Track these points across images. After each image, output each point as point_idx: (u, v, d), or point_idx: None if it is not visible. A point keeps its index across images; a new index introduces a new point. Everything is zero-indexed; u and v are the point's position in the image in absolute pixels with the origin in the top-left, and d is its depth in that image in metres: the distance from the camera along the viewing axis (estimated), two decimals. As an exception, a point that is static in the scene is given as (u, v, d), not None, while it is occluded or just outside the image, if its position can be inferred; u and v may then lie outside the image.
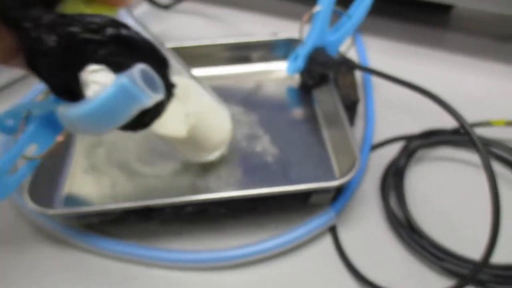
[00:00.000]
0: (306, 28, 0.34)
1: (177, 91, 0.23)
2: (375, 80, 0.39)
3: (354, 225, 0.29)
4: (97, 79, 0.20)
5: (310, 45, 0.34)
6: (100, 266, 0.27)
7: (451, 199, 0.30)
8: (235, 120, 0.31)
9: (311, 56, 0.34)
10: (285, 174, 0.30)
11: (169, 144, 0.29)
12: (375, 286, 0.26)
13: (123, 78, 0.19)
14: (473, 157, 0.33)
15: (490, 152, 0.32)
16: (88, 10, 0.21)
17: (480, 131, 0.34)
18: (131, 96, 0.19)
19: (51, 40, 0.19)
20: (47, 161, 0.29)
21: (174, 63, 0.26)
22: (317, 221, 0.28)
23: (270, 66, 0.40)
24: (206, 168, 0.30)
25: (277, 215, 0.29)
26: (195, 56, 0.39)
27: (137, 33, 0.20)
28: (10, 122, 0.27)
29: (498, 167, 0.32)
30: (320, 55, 0.33)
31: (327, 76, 0.35)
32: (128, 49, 0.20)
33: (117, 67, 0.20)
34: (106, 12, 0.22)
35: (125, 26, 0.20)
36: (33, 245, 0.28)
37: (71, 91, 0.20)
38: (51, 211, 0.26)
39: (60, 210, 0.27)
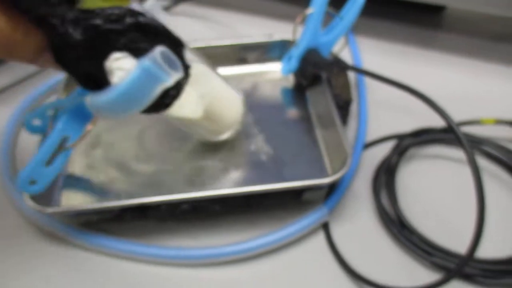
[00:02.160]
0: (300, 30, 0.35)
1: (192, 74, 0.25)
2: (368, 80, 0.40)
3: (346, 222, 0.30)
4: (122, 66, 0.21)
5: (303, 46, 0.35)
6: (98, 263, 0.28)
7: (441, 196, 0.31)
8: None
9: (304, 57, 0.35)
10: (279, 172, 0.30)
11: (186, 126, 0.30)
12: (366, 280, 0.26)
13: (146, 61, 0.20)
14: (462, 154, 0.33)
15: (480, 149, 0.33)
16: (105, 4, 0.22)
17: (470, 129, 0.34)
18: (154, 76, 0.21)
19: (77, 33, 0.20)
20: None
21: (188, 52, 0.27)
22: (310, 218, 0.28)
23: (265, 67, 0.40)
24: (201, 166, 0.31)
25: (271, 212, 0.30)
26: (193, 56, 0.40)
27: (153, 19, 0.22)
28: (37, 122, 0.29)
29: (488, 165, 0.33)
30: (313, 56, 0.34)
31: (320, 77, 0.35)
32: (147, 35, 0.22)
33: (139, 52, 0.21)
34: (120, 3, 0.22)
35: (142, 14, 0.21)
36: (32, 244, 0.29)
37: (97, 80, 0.22)
38: (50, 209, 0.27)
39: (58, 208, 0.28)
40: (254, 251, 0.28)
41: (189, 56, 0.26)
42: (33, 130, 0.30)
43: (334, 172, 0.30)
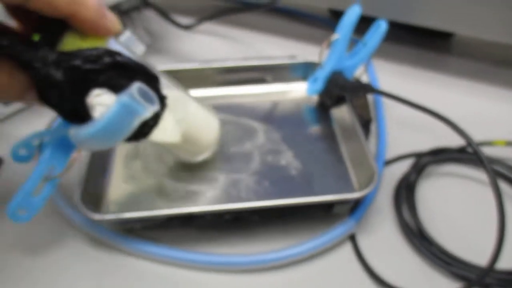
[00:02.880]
0: (325, 53, 0.37)
1: (170, 101, 0.27)
2: (385, 101, 0.42)
3: (371, 233, 0.32)
4: (102, 101, 0.24)
5: (329, 69, 0.38)
6: (142, 269, 0.30)
7: (458, 210, 0.34)
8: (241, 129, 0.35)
9: (330, 79, 0.37)
10: (309, 186, 0.33)
11: (166, 149, 0.33)
12: (389, 285, 0.29)
13: (124, 97, 0.22)
14: (476, 173, 0.36)
15: (494, 169, 0.36)
16: (84, 44, 0.24)
17: (482, 150, 0.37)
18: (132, 110, 0.23)
19: (58, 74, 0.22)
20: (92, 172, 0.32)
21: (163, 79, 0.30)
22: (339, 230, 0.31)
23: (287, 87, 0.43)
24: (236, 179, 0.33)
25: (302, 223, 0.32)
26: (217, 75, 0.42)
27: (129, 58, 0.23)
28: (23, 152, 0.30)
29: (500, 184, 0.35)
30: (338, 79, 0.37)
31: (344, 97, 0.38)
32: (124, 72, 0.23)
33: (118, 88, 0.23)
34: (98, 43, 0.25)
35: (118, 53, 0.23)
36: (77, 250, 0.31)
37: (80, 115, 0.24)
38: (107, 216, 0.29)
39: (110, 215, 0.29)
40: (289, 259, 0.30)
41: (165, 83, 0.29)
42: (19, 159, 0.31)
43: (360, 186, 0.32)
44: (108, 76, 0.23)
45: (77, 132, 0.23)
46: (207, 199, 0.32)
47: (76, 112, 0.24)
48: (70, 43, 0.24)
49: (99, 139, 0.23)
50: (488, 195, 0.34)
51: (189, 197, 0.32)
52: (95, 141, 0.24)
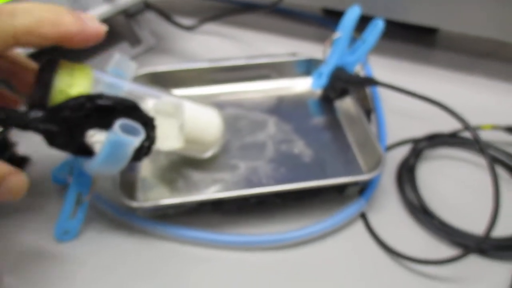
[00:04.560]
0: (327, 49, 0.41)
1: (169, 110, 0.32)
2: (381, 93, 0.46)
3: (379, 211, 0.36)
4: (97, 139, 0.29)
5: (332, 64, 0.41)
6: (175, 250, 0.33)
7: (453, 187, 0.38)
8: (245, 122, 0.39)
9: (333, 74, 0.41)
10: (323, 171, 0.36)
11: (174, 153, 0.37)
12: (402, 255, 0.32)
13: (110, 135, 0.26)
14: (467, 154, 0.40)
15: (486, 150, 0.40)
16: (71, 89, 0.27)
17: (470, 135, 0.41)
18: (120, 144, 0.27)
19: (54, 127, 0.27)
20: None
21: (157, 91, 0.34)
22: (352, 209, 0.34)
23: (292, 82, 0.46)
24: (255, 166, 0.37)
25: (318, 205, 0.36)
26: (225, 73, 0.45)
27: (108, 97, 0.27)
28: (60, 175, 0.36)
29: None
30: (342, 73, 0.40)
31: (346, 90, 0.42)
32: (107, 112, 0.27)
33: (106, 126, 0.27)
34: (81, 74, 0.28)
35: (99, 96, 0.27)
36: (113, 237, 0.34)
37: (85, 151, 0.29)
38: (147, 204, 0.32)
39: (151, 202, 0.32)
40: (310, 236, 0.33)
41: (158, 94, 0.34)
42: (57, 181, 0.36)
43: (368, 169, 0.36)
44: (95, 118, 0.27)
45: (86, 165, 0.29)
46: (232, 186, 0.35)
47: (81, 150, 0.29)
48: (59, 94, 0.27)
49: (103, 168, 0.28)
50: (479, 172, 0.39)
51: (216, 184, 0.35)
52: (101, 170, 0.29)
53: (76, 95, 0.27)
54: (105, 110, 0.27)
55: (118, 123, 0.27)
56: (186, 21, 0.57)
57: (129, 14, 0.51)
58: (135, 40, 0.54)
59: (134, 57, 0.52)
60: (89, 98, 0.27)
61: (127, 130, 0.27)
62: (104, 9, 0.45)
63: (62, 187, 0.37)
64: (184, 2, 0.63)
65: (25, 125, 0.27)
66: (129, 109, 0.28)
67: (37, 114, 0.27)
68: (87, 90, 0.28)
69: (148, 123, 0.29)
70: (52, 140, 0.28)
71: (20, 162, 0.39)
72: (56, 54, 0.29)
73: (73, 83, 0.28)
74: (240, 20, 0.58)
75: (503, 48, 0.55)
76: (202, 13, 0.60)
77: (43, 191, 0.37)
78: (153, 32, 0.55)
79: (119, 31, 0.55)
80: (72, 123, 0.27)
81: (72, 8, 0.42)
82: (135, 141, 0.27)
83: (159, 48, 0.55)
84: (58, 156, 0.36)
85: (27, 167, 0.39)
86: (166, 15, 0.56)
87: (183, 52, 0.54)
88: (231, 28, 0.57)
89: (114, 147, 0.27)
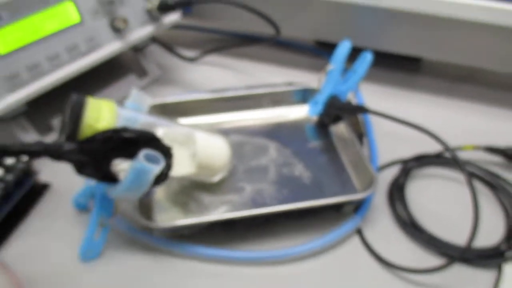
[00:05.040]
0: (321, 80, 0.45)
1: (181, 139, 0.36)
2: (372, 118, 0.50)
3: (373, 227, 0.40)
4: (122, 168, 0.32)
5: (327, 94, 0.45)
6: (189, 267, 0.36)
7: (439, 203, 0.41)
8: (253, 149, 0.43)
9: (328, 102, 0.45)
10: (321, 191, 0.40)
11: (186, 178, 0.40)
12: (392, 265, 0.36)
13: (135, 164, 0.30)
14: (451, 173, 0.44)
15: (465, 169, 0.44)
16: (97, 124, 0.31)
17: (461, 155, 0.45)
18: (144, 172, 0.31)
19: (84, 158, 0.31)
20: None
21: (171, 123, 0.38)
22: (349, 225, 0.38)
23: (289, 110, 0.50)
24: (260, 188, 0.40)
25: (317, 222, 0.39)
26: (228, 103, 0.49)
27: (132, 130, 0.31)
28: (81, 200, 0.39)
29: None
30: (336, 101, 0.45)
31: (340, 117, 0.46)
32: (131, 143, 0.31)
33: (130, 155, 0.31)
34: (107, 110, 0.32)
35: (124, 129, 0.31)
36: (132, 255, 0.37)
37: (110, 178, 0.32)
38: (166, 224, 0.35)
39: (170, 223, 0.36)
40: (311, 251, 0.37)
41: (172, 125, 0.38)
42: (79, 206, 0.40)
43: (363, 189, 0.40)
44: (120, 149, 0.31)
45: (111, 191, 0.33)
46: (239, 206, 0.39)
47: (107, 177, 0.32)
48: (87, 128, 0.31)
49: (127, 194, 0.32)
50: (462, 188, 0.42)
51: (225, 205, 0.39)
52: (124, 195, 0.32)
53: (103, 129, 0.31)
54: (129, 141, 0.31)
55: (143, 153, 0.30)
56: (189, 53, 0.61)
57: (136, 48, 0.55)
58: (141, 72, 0.58)
59: (142, 88, 0.56)
60: (116, 132, 0.31)
61: (149, 159, 0.31)
62: (116, 46, 0.49)
63: (82, 211, 0.40)
64: (186, 34, 0.67)
65: (60, 156, 0.30)
66: (149, 140, 0.32)
67: (70, 146, 0.30)
68: (111, 124, 0.32)
69: (166, 152, 0.33)
70: (82, 169, 0.31)
71: (41, 189, 0.42)
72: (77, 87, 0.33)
73: (100, 118, 0.32)
74: (239, 52, 0.62)
75: (479, 73, 0.60)
76: (203, 45, 0.64)
77: (64, 215, 0.40)
78: (158, 64, 0.59)
79: (126, 64, 0.59)
80: (100, 154, 0.31)
81: (87, 45, 0.46)
82: (157, 168, 0.31)
83: (163, 78, 0.59)
84: (76, 183, 0.40)
85: (48, 194, 0.42)
86: (169, 48, 0.61)
87: (186, 82, 0.58)
88: (231, 59, 0.62)
89: (138, 174, 0.31)
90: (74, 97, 0.32)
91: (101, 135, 0.31)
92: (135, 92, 0.37)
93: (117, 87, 0.55)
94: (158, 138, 0.32)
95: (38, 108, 0.46)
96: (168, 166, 0.33)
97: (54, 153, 0.30)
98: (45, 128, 0.48)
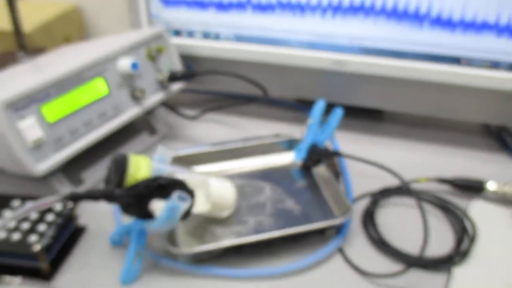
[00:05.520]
0: (303, 131, 0.57)
1: (197, 183, 0.47)
2: (346, 160, 0.62)
3: (351, 246, 0.50)
4: (158, 207, 0.42)
5: (308, 142, 0.57)
6: (208, 285, 0.46)
7: (402, 224, 0.52)
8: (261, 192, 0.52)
9: (310, 150, 0.57)
10: (308, 220, 0.51)
11: (203, 214, 0.50)
12: (368, 273, 0.46)
13: (170, 203, 0.40)
14: (409, 201, 0.55)
15: (421, 198, 0.55)
16: (139, 173, 0.42)
17: (413, 186, 0.57)
18: (176, 209, 0.41)
19: (130, 200, 0.41)
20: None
21: (191, 172, 0.49)
22: (333, 245, 0.48)
23: (279, 156, 0.61)
24: (260, 220, 0.50)
25: (307, 244, 0.49)
26: (228, 153, 0.60)
27: (165, 178, 0.42)
28: (117, 238, 0.48)
29: (426, 206, 0.55)
30: (316, 148, 0.56)
31: (320, 160, 0.57)
32: (166, 188, 0.42)
33: (165, 197, 0.41)
34: (144, 163, 0.43)
35: (160, 177, 0.42)
36: (161, 278, 0.46)
37: (148, 215, 0.42)
38: (193, 250, 0.45)
39: (193, 249, 0.45)
40: (302, 267, 0.47)
41: (190, 173, 0.48)
42: (114, 243, 0.50)
43: (342, 216, 0.50)
44: (157, 192, 0.41)
45: (148, 226, 0.43)
46: (245, 235, 0.49)
47: (145, 215, 0.42)
48: (131, 178, 0.42)
49: (161, 228, 0.41)
50: (418, 213, 0.53)
51: (233, 235, 0.49)
52: (159, 229, 0.42)
53: (142, 178, 0.41)
54: (163, 186, 0.41)
55: (176, 194, 0.40)
56: (190, 112, 0.73)
57: (150, 112, 0.66)
58: (152, 131, 0.69)
59: (152, 145, 0.67)
60: (153, 180, 0.41)
61: (180, 198, 0.41)
62: (135, 111, 0.60)
63: (117, 246, 0.50)
64: (187, 96, 0.79)
65: (112, 199, 0.40)
66: (177, 184, 0.42)
67: (120, 192, 0.40)
68: (148, 174, 0.43)
69: (191, 193, 0.43)
70: (127, 209, 0.41)
71: (80, 230, 0.52)
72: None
73: (139, 170, 0.42)
74: (233, 110, 0.74)
75: (430, 120, 0.73)
76: (202, 105, 0.76)
77: (101, 251, 0.49)
78: (165, 122, 0.71)
79: (139, 125, 0.70)
80: (141, 197, 0.41)
81: (113, 111, 0.57)
82: (186, 205, 0.41)
83: (170, 135, 0.69)
84: (106, 225, 0.50)
85: (86, 234, 0.52)
86: (174, 109, 0.72)
87: (190, 137, 0.69)
88: (226, 116, 0.73)
89: (172, 211, 0.41)
90: (118, 155, 0.42)
91: (144, 182, 0.41)
92: (161, 148, 0.48)
93: (133, 144, 0.66)
94: (184, 182, 0.43)
95: (70, 164, 0.56)
96: (192, 205, 0.43)
97: (109, 197, 0.40)
98: (76, 181, 0.58)
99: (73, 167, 0.58)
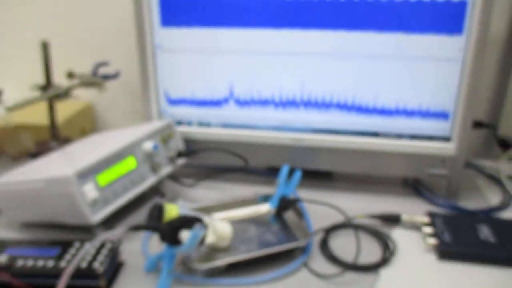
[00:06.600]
0: (272, 189, 0.81)
1: (207, 222, 0.69)
2: (306, 205, 0.86)
3: (313, 261, 0.72)
4: (185, 236, 0.63)
5: (279, 195, 0.81)
6: (217, 292, 0.66)
7: (346, 247, 0.75)
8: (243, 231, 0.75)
9: (280, 200, 0.81)
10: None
11: (210, 245, 0.72)
12: (324, 276, 0.68)
13: (193, 232, 0.62)
14: (351, 231, 0.79)
15: (359, 227, 0.79)
16: (172, 212, 0.66)
17: (354, 220, 0.81)
18: (198, 236, 0.62)
19: (167, 231, 0.62)
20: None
21: (202, 215, 0.72)
22: (300, 260, 0.71)
23: (257, 207, 0.85)
24: (249, 248, 0.73)
25: (281, 261, 0.71)
26: (221, 206, 0.83)
27: (188, 216, 0.65)
28: (150, 265, 0.70)
29: (363, 235, 0.79)
30: (284, 199, 0.81)
31: (288, 207, 0.81)
32: (190, 221, 0.64)
33: (189, 227, 0.63)
34: (174, 208, 0.67)
35: (185, 216, 0.65)
36: (183, 291, 0.67)
37: (177, 242, 0.63)
38: (210, 265, 0.66)
39: (211, 264, 0.67)
40: (280, 276, 0.68)
41: (201, 216, 0.71)
42: (148, 269, 0.70)
43: (304, 241, 0.74)
44: (185, 224, 0.63)
45: (177, 250, 0.63)
46: (239, 257, 0.71)
47: (176, 241, 0.63)
48: (167, 215, 0.64)
49: (187, 251, 0.62)
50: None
51: (231, 257, 0.70)
52: (186, 252, 0.63)
53: (174, 217, 0.64)
54: (189, 221, 0.64)
55: (197, 226, 0.63)
56: (188, 181, 0.97)
57: (161, 182, 0.89)
58: (161, 195, 0.91)
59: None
60: (182, 217, 0.64)
61: (200, 228, 0.63)
62: (153, 180, 0.83)
63: (146, 273, 0.70)
64: (185, 169, 1.03)
65: (157, 229, 0.62)
66: (196, 220, 0.65)
67: (162, 226, 0.62)
68: (176, 214, 0.65)
69: (205, 226, 0.66)
70: (164, 237, 0.63)
71: (120, 264, 0.72)
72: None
73: (171, 212, 0.65)
74: (221, 177, 0.98)
75: (372, 177, 0.99)
76: (197, 175, 1.00)
77: (136, 276, 0.69)
78: (171, 189, 0.94)
79: (150, 190, 0.92)
80: (175, 228, 0.63)
81: (139, 180, 0.81)
82: (203, 233, 0.63)
83: (174, 198, 0.92)
84: (138, 260, 0.71)
85: (125, 267, 0.72)
86: (176, 179, 0.96)
87: (189, 199, 0.92)
88: (215, 183, 0.97)
89: (195, 238, 0.63)
90: (158, 203, 0.65)
91: (175, 219, 0.63)
92: (181, 202, 0.71)
93: (149, 205, 0.88)
94: (201, 218, 0.65)
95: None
96: (206, 234, 0.66)
97: (155, 228, 0.62)
98: (110, 228, 0.79)
99: (109, 218, 0.79)
